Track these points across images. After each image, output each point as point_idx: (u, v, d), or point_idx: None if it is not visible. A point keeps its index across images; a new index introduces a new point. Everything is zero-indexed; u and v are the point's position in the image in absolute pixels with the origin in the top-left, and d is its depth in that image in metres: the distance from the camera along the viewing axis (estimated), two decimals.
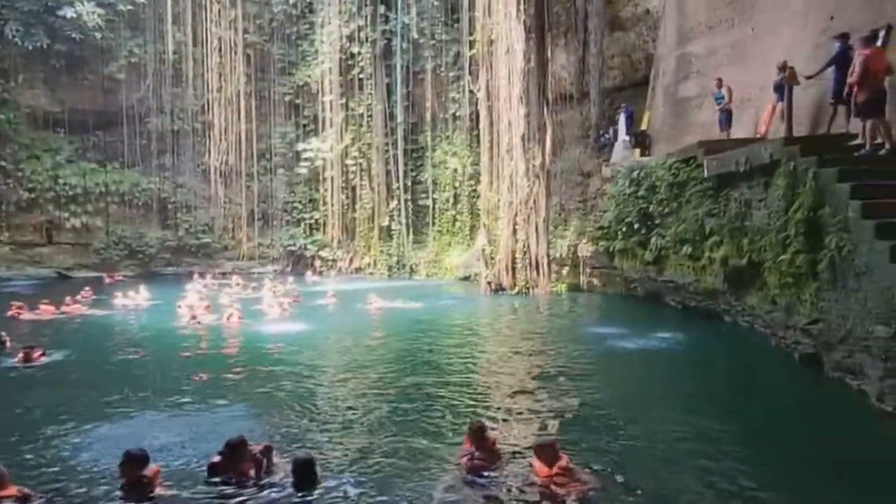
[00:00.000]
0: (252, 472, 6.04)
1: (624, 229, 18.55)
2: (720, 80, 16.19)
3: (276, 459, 6.25)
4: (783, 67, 12.86)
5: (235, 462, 6.01)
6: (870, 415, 7.84)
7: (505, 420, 8.01)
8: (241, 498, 5.82)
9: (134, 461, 5.77)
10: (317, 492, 5.89)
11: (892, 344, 7.61)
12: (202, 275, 28.80)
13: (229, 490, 5.93)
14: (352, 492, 5.95)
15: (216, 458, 6.08)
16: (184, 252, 35.32)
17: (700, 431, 7.52)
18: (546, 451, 5.98)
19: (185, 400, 9.28)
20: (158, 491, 5.82)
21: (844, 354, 8.92)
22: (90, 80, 33.38)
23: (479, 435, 6.41)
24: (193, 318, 17.06)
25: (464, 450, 6.45)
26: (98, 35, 31.87)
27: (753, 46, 16.34)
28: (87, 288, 23.16)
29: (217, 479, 6.00)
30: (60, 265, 33.46)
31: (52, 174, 32.94)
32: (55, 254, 33.67)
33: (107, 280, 29.58)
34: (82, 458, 6.86)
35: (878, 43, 10.72)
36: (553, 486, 5.76)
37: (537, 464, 5.98)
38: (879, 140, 10.07)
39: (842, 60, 11.30)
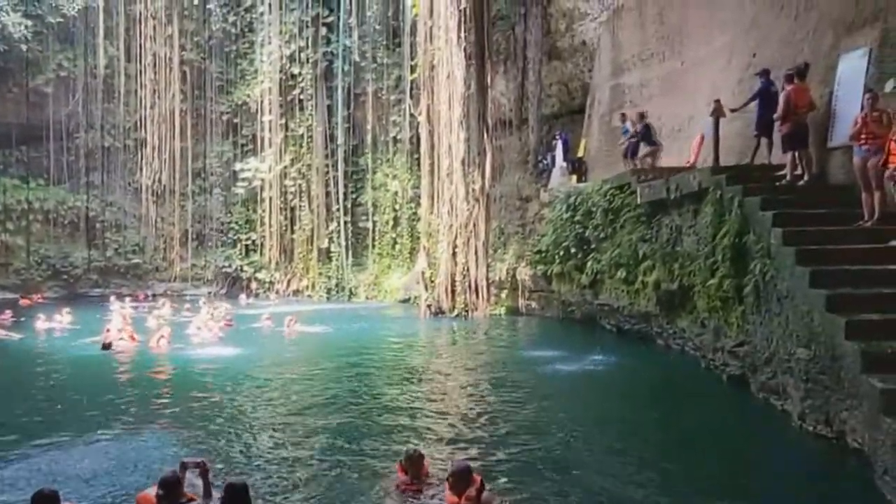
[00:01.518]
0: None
1: (561, 253, 18.88)
2: (624, 115, 17.16)
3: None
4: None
5: (171, 501, 5.64)
6: (791, 433, 8.14)
7: (436, 446, 7.92)
8: None
9: (44, 502, 5.35)
10: None
11: (812, 366, 7.95)
12: (119, 297, 27.44)
13: None
14: None
15: (150, 495, 5.69)
16: (112, 273, 33.91)
17: (629, 451, 7.64)
18: (455, 479, 5.69)
19: (110, 426, 8.82)
20: None
21: (769, 375, 9.26)
22: (15, 92, 31.93)
23: (412, 462, 6.30)
24: (132, 338, 16.43)
25: (396, 478, 6.36)
26: (24, 47, 30.58)
27: (683, 79, 17.07)
28: (7, 310, 21.93)
29: None
30: None
31: None
32: None
33: (22, 302, 27.68)
34: None
35: (805, 80, 11.31)
36: None
37: (448, 493, 5.80)
38: (799, 171, 10.61)
39: (764, 95, 11.90)
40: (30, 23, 30.55)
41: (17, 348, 16.87)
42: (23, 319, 21.30)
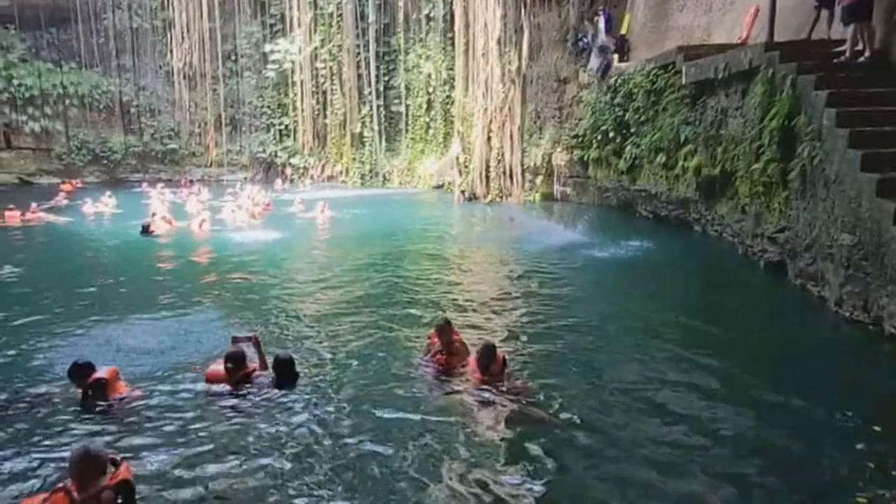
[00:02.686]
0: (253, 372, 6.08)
1: (599, 138, 18.37)
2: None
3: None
4: None
5: (240, 373, 6.01)
6: (827, 319, 8.12)
7: (466, 333, 8.11)
8: (224, 395, 5.89)
9: (79, 370, 5.73)
10: (298, 389, 6.05)
11: (854, 252, 7.78)
12: (156, 183, 27.78)
13: (215, 388, 5.99)
14: (329, 388, 6.13)
15: (218, 370, 6.05)
16: (150, 158, 34.37)
17: (664, 337, 7.73)
18: (481, 355, 6.01)
19: (157, 306, 9.23)
20: (127, 391, 5.83)
21: (808, 262, 9.12)
22: None
23: (443, 330, 6.50)
24: (170, 222, 16.85)
25: (429, 345, 6.60)
26: None
27: None
28: (61, 193, 22.71)
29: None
30: (22, 171, 32.41)
31: (6, 74, 31.27)
32: (15, 159, 32.52)
33: (62, 187, 28.01)
34: (52, 365, 6.83)
35: None
36: (486, 390, 5.85)
37: (473, 368, 6.10)
38: (860, 47, 9.88)
39: None
40: None
41: (68, 231, 17.48)
42: (69, 203, 21.95)
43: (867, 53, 9.75)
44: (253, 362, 6.17)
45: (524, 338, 7.65)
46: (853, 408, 5.59)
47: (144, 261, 13.08)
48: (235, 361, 5.97)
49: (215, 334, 7.78)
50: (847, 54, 9.92)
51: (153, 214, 17.57)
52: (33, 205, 19.57)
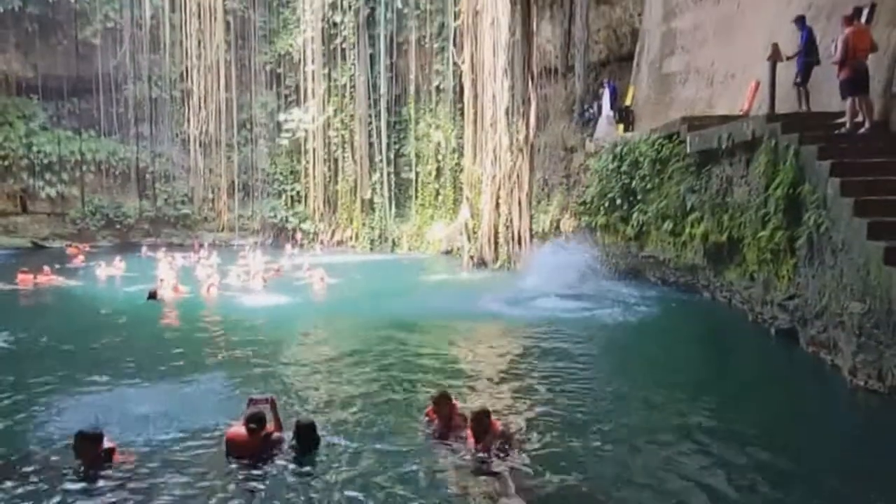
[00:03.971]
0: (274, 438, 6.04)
1: (606, 204, 18.59)
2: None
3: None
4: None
5: (257, 435, 5.94)
6: (842, 388, 8.01)
7: (471, 398, 8.04)
8: (245, 461, 5.83)
9: (87, 440, 5.64)
10: (321, 454, 6.02)
11: (866, 320, 7.75)
12: (170, 248, 28.03)
13: (235, 452, 5.92)
14: (351, 449, 6.14)
15: (240, 432, 5.97)
16: (162, 223, 34.90)
17: (672, 403, 7.64)
18: (475, 423, 5.90)
19: (165, 371, 9.22)
20: (121, 460, 5.74)
21: (820, 329, 9.07)
22: (64, 45, 32.52)
23: (440, 403, 6.46)
24: (176, 289, 16.90)
25: (428, 419, 6.59)
26: None
27: (738, 22, 16.31)
28: (79, 255, 23.05)
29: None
30: (36, 235, 32.92)
31: (26, 141, 32.22)
32: (30, 223, 33.10)
33: (69, 251, 28.33)
34: (51, 428, 6.77)
35: (862, 20, 10.73)
36: (481, 461, 5.76)
37: (469, 436, 6.00)
38: (860, 118, 10.13)
39: (808, 41, 11.60)
40: None
41: (79, 294, 17.62)
42: (71, 268, 22.19)
43: (867, 125, 9.98)
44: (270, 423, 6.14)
45: (526, 407, 7.54)
46: (869, 479, 5.47)
47: (152, 325, 13.13)
48: (257, 422, 5.91)
49: (223, 399, 7.74)
50: (847, 126, 10.16)
51: (161, 280, 17.72)
52: (45, 268, 19.82)
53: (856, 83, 10.02)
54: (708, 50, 17.32)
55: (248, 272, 20.11)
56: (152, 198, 34.81)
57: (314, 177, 33.87)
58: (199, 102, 34.22)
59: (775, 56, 12.28)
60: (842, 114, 10.45)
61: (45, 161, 32.50)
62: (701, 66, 17.72)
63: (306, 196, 34.62)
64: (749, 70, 15.10)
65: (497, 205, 22.99)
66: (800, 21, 12.18)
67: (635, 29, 22.42)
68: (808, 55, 11.96)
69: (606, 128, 21.18)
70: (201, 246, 29.65)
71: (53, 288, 18.52)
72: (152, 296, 15.74)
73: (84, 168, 33.39)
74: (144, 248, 27.86)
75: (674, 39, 18.98)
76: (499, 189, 22.89)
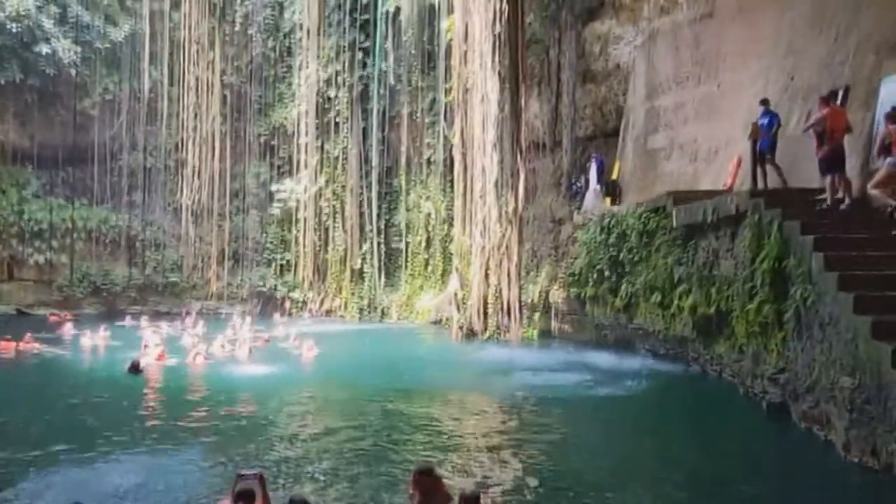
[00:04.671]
0: None
1: (595, 276, 18.73)
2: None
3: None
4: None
5: None
6: (836, 464, 7.90)
7: (459, 472, 7.87)
8: None
9: None
10: None
11: (857, 395, 7.74)
12: (135, 316, 27.68)
13: None
14: None
15: None
16: (150, 290, 34.62)
17: (663, 480, 7.50)
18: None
19: (148, 444, 8.98)
20: None
21: (811, 404, 9.03)
22: (62, 115, 33.02)
23: (422, 479, 6.25)
24: (160, 357, 16.62)
25: (410, 494, 6.34)
26: (73, 71, 31.55)
27: (719, 102, 16.94)
28: (66, 324, 22.71)
29: None
30: (21, 302, 32.51)
31: (18, 209, 32.25)
32: (16, 290, 32.72)
33: (51, 318, 28.12)
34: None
35: (837, 102, 11.20)
36: None
37: None
38: (840, 195, 10.42)
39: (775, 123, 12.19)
40: (79, 48, 31.53)
41: (61, 363, 17.30)
42: (53, 336, 21.87)
43: (847, 201, 10.26)
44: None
45: (512, 482, 7.38)
46: None
47: (135, 395, 12.86)
48: (247, 499, 5.67)
49: (209, 473, 7.53)
50: (828, 202, 10.44)
51: (145, 346, 17.43)
52: (28, 335, 19.52)
53: (833, 161, 10.37)
54: (690, 127, 17.91)
55: (233, 341, 19.89)
56: (141, 265, 34.68)
57: (304, 246, 33.99)
58: (193, 172, 34.61)
59: (755, 134, 12.71)
60: (821, 190, 10.76)
61: (36, 228, 32.47)
62: (684, 142, 18.28)
63: (296, 265, 34.63)
64: (731, 146, 15.59)
65: (486, 275, 23.08)
66: (765, 103, 12.77)
67: (620, 106, 23.20)
68: (774, 134, 12.51)
69: (594, 200, 21.58)
70: (188, 314, 29.41)
71: (35, 356, 18.18)
72: (134, 367, 15.09)
73: (74, 235, 33.35)
74: (128, 317, 27.58)
75: (657, 117, 19.63)
76: (488, 260, 23.04)
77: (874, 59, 11.11)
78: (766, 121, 12.69)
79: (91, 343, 20.40)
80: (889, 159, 9.57)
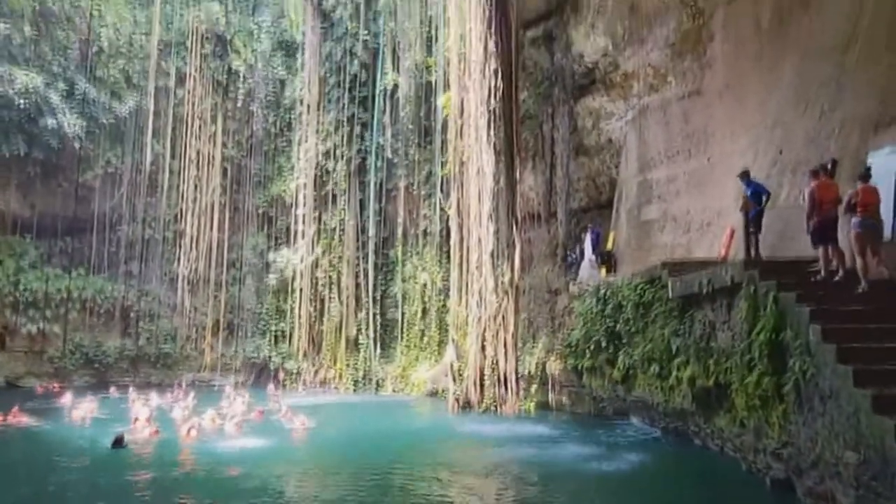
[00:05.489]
0: None
1: (592, 347, 18.59)
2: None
3: None
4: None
5: None
6: None
7: None
8: None
9: None
10: None
11: (862, 470, 7.56)
12: (122, 388, 27.17)
13: None
14: None
15: None
16: (142, 361, 34.19)
17: None
18: None
19: None
20: None
21: (816, 480, 8.81)
22: (64, 187, 33.41)
23: None
24: (155, 432, 16.25)
25: None
26: (77, 144, 32.11)
27: (710, 175, 17.30)
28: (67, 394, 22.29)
29: None
30: (10, 373, 31.99)
31: (14, 279, 32.18)
32: (7, 361, 32.24)
33: (38, 390, 27.79)
34: None
35: (826, 175, 11.42)
36: None
37: None
38: (833, 266, 10.49)
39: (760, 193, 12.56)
40: (83, 122, 32.24)
41: (48, 435, 16.88)
42: (41, 407, 21.41)
43: (841, 273, 10.32)
44: None
45: None
46: None
47: (120, 470, 12.47)
48: None
49: None
50: (822, 273, 10.50)
51: (136, 420, 17.04)
52: (15, 408, 19.13)
53: (825, 233, 10.50)
54: (683, 199, 18.21)
55: (223, 415, 19.47)
56: (135, 336, 34.37)
57: (300, 315, 33.81)
58: (191, 243, 34.82)
59: (746, 206, 12.93)
60: (814, 261, 10.84)
61: (31, 298, 32.30)
62: (677, 214, 18.54)
63: (291, 334, 34.35)
64: (723, 218, 15.81)
65: (483, 346, 22.90)
66: (745, 177, 13.06)
67: (613, 179, 23.65)
68: (758, 205, 12.72)
69: (590, 271, 21.68)
70: (180, 385, 28.93)
71: (22, 429, 17.75)
72: (118, 442, 14.66)
73: (69, 305, 33.16)
74: (112, 388, 27.11)
75: (650, 189, 19.98)
76: (484, 330, 22.91)
77: (859, 134, 11.44)
78: (749, 192, 12.88)
79: (79, 415, 19.97)
80: (854, 219, 9.84)
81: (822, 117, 12.69)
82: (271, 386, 30.87)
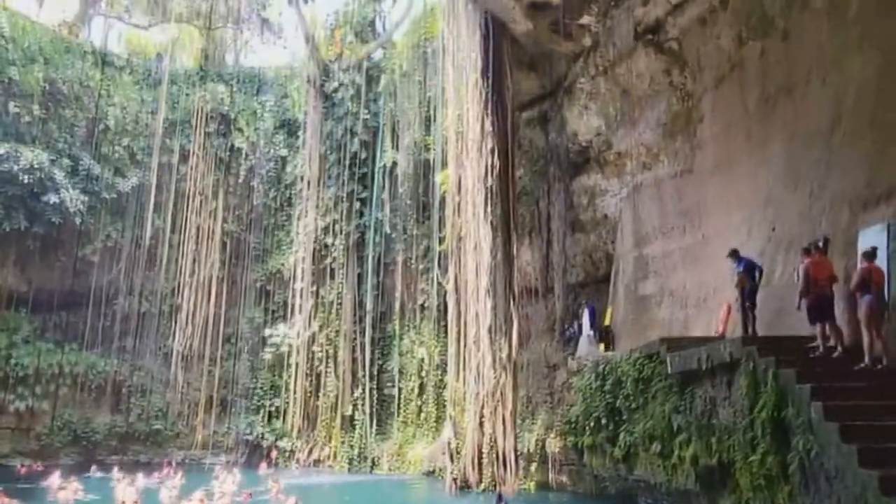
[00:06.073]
0: None
1: (592, 424, 18.26)
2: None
3: None
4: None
5: None
6: None
7: None
8: None
9: None
10: None
11: None
12: (105, 467, 26.37)
13: None
14: None
15: None
16: (132, 439, 33.38)
17: None
18: None
19: None
20: None
21: None
22: (63, 261, 33.44)
23: None
24: None
25: None
26: (78, 220, 32.34)
27: (705, 251, 17.49)
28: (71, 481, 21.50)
29: None
30: None
31: (6, 354, 31.77)
32: None
33: (21, 470, 27.16)
34: None
35: (818, 252, 11.59)
36: None
37: None
38: (831, 343, 10.50)
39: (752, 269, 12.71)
40: (86, 198, 32.64)
41: None
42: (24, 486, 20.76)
43: (839, 349, 10.33)
44: None
45: None
46: None
47: None
48: None
49: None
50: (821, 350, 10.51)
51: (123, 503, 16.51)
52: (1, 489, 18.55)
53: (820, 310, 10.57)
54: (679, 275, 18.34)
55: (212, 495, 18.87)
56: (125, 412, 33.68)
57: (294, 391, 33.30)
58: (187, 317, 34.68)
59: (742, 283, 13.03)
60: (812, 338, 10.86)
61: (21, 374, 31.77)
62: (674, 289, 18.63)
63: (285, 411, 33.71)
64: (719, 293, 15.89)
65: (481, 423, 22.51)
66: (734, 255, 13.26)
67: (609, 254, 23.88)
68: (752, 281, 12.83)
69: (588, 346, 21.58)
70: (169, 464, 28.17)
71: None
72: None
73: (60, 381, 32.59)
74: (94, 467, 26.32)
75: (646, 265, 20.16)
76: (482, 407, 22.57)
77: (849, 212, 11.67)
78: (742, 268, 13.04)
79: (63, 498, 19.34)
80: (867, 297, 9.85)
81: (812, 195, 12.97)
82: (264, 465, 30.10)
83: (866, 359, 9.75)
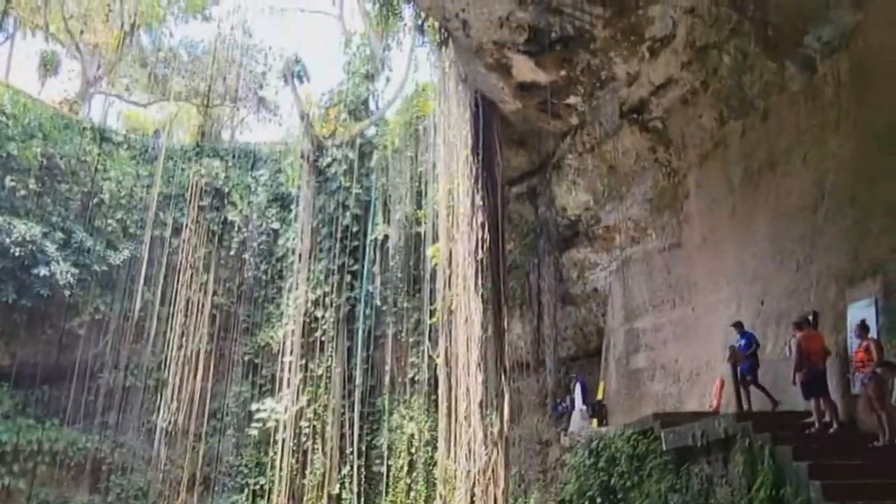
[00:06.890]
0: None
1: (586, 503, 17.77)
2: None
3: None
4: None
5: None
6: None
7: None
8: None
9: None
10: None
11: None
12: None
13: None
14: None
15: None
16: None
17: None
18: None
19: None
20: None
21: None
22: (49, 334, 32.87)
23: None
24: None
25: None
26: (67, 292, 32.05)
27: (695, 325, 17.54)
28: None
29: None
30: None
31: None
32: None
33: None
34: None
35: (809, 326, 11.66)
36: None
37: None
38: (827, 418, 10.43)
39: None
40: (76, 270, 32.46)
41: None
42: None
43: (835, 425, 10.25)
44: None
45: None
46: None
47: None
48: None
49: None
50: (816, 426, 10.42)
51: None
52: None
53: (813, 385, 10.55)
54: (671, 348, 18.31)
55: None
56: (104, 492, 32.45)
57: (280, 469, 32.29)
58: (173, 392, 33.92)
59: (734, 358, 13.03)
60: (808, 413, 10.79)
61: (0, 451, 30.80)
62: (666, 363, 18.56)
63: (270, 490, 32.58)
64: (712, 368, 15.83)
65: (472, 502, 21.83)
66: (739, 327, 13.33)
67: (600, 327, 23.86)
68: (753, 356, 12.86)
69: (580, 422, 21.25)
70: None
71: None
72: None
73: (38, 458, 31.52)
74: None
75: (637, 338, 20.13)
76: (474, 485, 21.93)
77: (836, 287, 11.82)
78: (742, 342, 13.10)
79: None
80: (877, 371, 9.77)
81: (799, 270, 13.15)
82: None
83: (886, 436, 9.53)
